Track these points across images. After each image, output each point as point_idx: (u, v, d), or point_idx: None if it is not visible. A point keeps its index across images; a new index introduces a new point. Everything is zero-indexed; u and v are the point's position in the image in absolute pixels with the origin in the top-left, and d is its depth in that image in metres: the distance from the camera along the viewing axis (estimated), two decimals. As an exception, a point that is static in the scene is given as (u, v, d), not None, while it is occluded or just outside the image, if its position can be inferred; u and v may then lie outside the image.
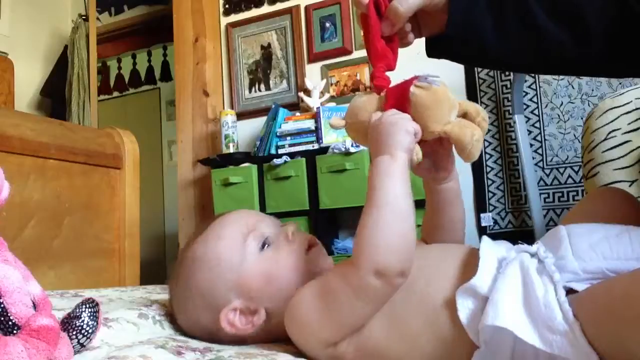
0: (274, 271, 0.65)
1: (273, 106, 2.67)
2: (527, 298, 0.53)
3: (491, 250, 0.61)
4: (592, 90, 2.34)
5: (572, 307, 0.51)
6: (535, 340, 0.51)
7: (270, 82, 2.93)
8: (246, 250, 0.66)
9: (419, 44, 0.75)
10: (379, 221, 0.57)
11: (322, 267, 0.68)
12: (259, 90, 2.95)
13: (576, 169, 2.35)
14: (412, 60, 1.06)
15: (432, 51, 0.73)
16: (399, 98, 0.63)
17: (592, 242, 0.57)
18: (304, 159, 2.42)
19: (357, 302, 0.57)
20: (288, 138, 2.54)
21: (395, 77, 0.68)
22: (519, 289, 0.55)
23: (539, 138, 2.42)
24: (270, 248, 0.68)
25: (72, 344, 0.51)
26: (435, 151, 0.69)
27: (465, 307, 0.56)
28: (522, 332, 0.51)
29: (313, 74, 2.80)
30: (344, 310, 0.58)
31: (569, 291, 0.54)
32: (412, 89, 0.62)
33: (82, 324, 0.52)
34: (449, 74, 2.66)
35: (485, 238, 0.65)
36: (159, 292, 0.98)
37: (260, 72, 2.96)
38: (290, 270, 0.66)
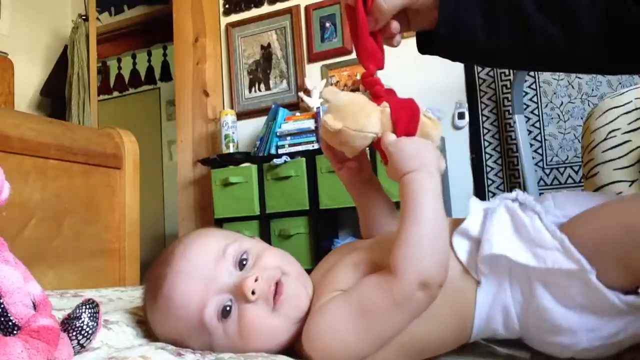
0: (243, 344, 0.61)
1: (273, 106, 2.67)
2: (516, 227, 0.61)
3: (478, 203, 0.68)
4: (592, 90, 2.34)
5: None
6: (529, 259, 0.58)
7: (270, 82, 2.93)
8: (210, 329, 0.61)
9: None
10: (423, 235, 0.58)
11: (298, 310, 0.63)
12: (259, 90, 2.95)
13: (576, 169, 2.35)
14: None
15: (423, 48, 0.73)
16: (410, 122, 0.66)
17: (574, 200, 0.64)
18: (304, 159, 2.42)
19: (399, 316, 0.58)
20: (288, 138, 2.54)
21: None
22: (508, 223, 0.62)
23: (539, 138, 2.42)
24: (232, 315, 0.61)
25: (72, 344, 0.51)
26: (362, 155, 0.76)
27: (462, 250, 0.62)
28: (516, 254, 0.58)
29: (313, 74, 2.80)
30: (384, 326, 0.58)
31: None
32: (422, 118, 0.67)
33: (82, 324, 0.52)
34: (449, 74, 2.66)
35: (472, 197, 0.70)
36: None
37: (260, 72, 2.96)
38: (262, 338, 0.61)
